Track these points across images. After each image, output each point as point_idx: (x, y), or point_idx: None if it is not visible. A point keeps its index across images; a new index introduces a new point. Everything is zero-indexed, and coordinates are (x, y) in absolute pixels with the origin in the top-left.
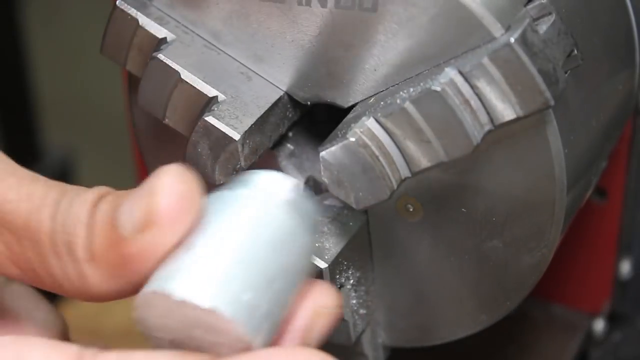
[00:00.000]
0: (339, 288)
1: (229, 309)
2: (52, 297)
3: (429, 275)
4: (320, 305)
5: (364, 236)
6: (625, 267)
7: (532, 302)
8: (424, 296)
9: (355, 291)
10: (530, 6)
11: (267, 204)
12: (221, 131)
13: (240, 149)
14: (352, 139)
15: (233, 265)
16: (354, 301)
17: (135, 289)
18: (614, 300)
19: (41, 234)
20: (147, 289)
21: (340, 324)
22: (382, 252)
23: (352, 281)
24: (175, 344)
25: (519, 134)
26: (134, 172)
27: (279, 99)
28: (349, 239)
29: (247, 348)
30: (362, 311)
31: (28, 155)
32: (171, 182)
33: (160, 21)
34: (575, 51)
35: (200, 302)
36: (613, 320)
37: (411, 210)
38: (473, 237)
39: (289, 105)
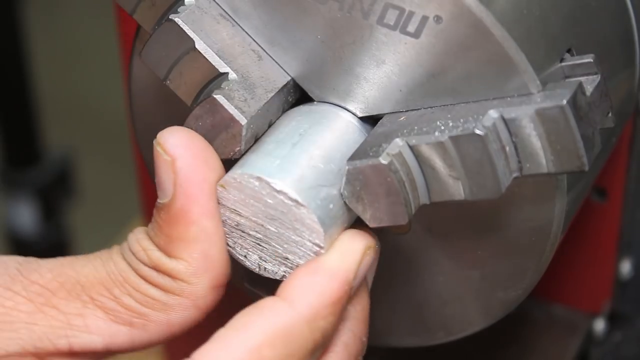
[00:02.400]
0: None
1: (318, 212)
2: None
3: (417, 281)
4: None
5: None
6: (626, 267)
7: (533, 302)
8: (415, 299)
9: None
10: (570, 62)
11: (338, 118)
12: (229, 112)
13: (244, 132)
14: (384, 162)
15: (319, 167)
16: None
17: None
18: (614, 300)
19: (122, 275)
20: (247, 171)
21: None
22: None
23: None
24: (238, 230)
25: (529, 189)
26: (134, 172)
27: (285, 85)
28: None
29: (316, 252)
30: None
31: (28, 155)
32: (168, 136)
33: None
34: (610, 113)
35: (302, 201)
36: (613, 320)
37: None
38: (453, 261)
39: (291, 91)
